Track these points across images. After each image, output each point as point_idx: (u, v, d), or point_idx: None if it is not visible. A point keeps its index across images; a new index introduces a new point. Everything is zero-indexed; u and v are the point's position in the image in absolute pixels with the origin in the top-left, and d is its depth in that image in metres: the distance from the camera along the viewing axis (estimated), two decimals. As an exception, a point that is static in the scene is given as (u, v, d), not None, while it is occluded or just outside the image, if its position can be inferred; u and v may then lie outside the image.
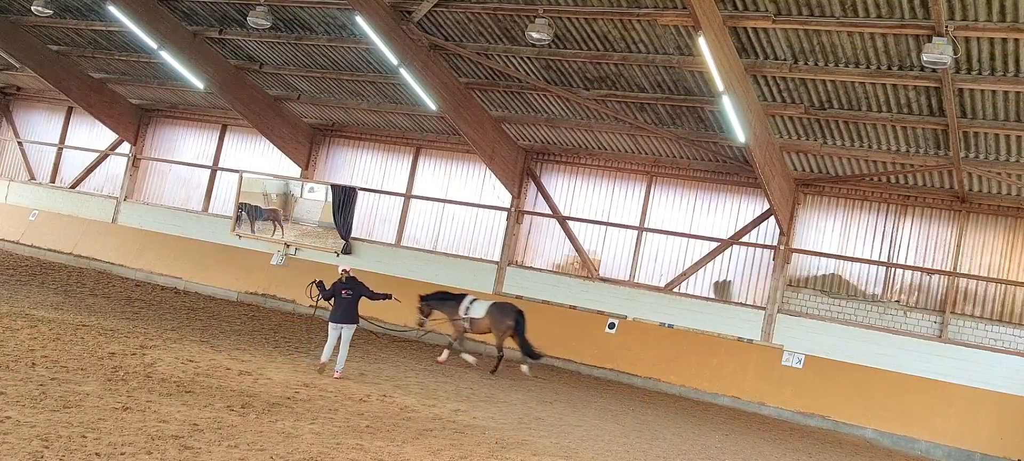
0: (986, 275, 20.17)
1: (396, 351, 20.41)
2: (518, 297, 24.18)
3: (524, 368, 19.46)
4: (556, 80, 21.30)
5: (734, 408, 20.72)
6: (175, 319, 19.07)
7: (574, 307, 23.55)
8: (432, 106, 22.28)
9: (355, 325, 15.04)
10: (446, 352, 19.74)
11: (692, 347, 22.01)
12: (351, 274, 15.53)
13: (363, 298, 15.24)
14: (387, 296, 15.98)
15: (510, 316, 19.57)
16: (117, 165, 31.99)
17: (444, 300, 20.38)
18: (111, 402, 9.64)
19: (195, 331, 17.57)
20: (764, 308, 21.76)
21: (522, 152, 25.07)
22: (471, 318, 19.67)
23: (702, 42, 15.91)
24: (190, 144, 30.95)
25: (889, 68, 17.06)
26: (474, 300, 19.99)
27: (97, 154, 32.43)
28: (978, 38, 15.33)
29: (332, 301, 15.23)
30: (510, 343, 19.72)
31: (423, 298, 20.58)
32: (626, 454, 12.40)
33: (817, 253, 21.68)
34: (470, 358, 19.67)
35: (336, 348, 14.90)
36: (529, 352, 19.53)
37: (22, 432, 7.80)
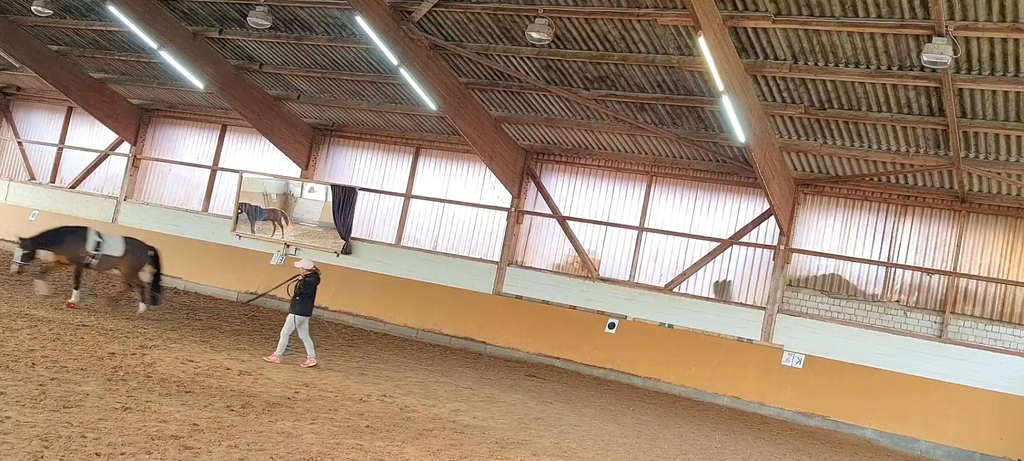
0: (986, 275, 20.22)
1: (395, 351, 20.45)
2: (518, 297, 24.27)
3: (142, 307, 18.31)
4: (556, 80, 21.34)
5: (734, 408, 20.78)
6: (175, 319, 19.10)
7: (574, 307, 23.59)
8: (432, 106, 22.32)
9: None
10: (41, 284, 18.22)
11: (692, 347, 22.06)
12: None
13: None
14: None
15: (148, 250, 18.67)
16: (117, 165, 32.05)
17: (60, 238, 18.20)
18: (111, 402, 9.66)
19: (195, 331, 17.62)
20: (764, 308, 21.81)
21: (522, 152, 25.11)
22: (104, 255, 18.21)
23: (702, 42, 15.95)
24: (190, 144, 31.02)
25: (889, 68, 17.09)
26: (102, 235, 18.37)
27: (97, 154, 32.50)
28: (978, 38, 15.37)
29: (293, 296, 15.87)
30: (134, 278, 18.65)
31: (28, 240, 17.72)
32: (626, 454, 12.43)
33: (817, 253, 21.73)
34: (44, 288, 18.20)
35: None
36: (157, 291, 18.67)
37: (22, 432, 7.82)
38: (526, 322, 23.81)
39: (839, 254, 21.52)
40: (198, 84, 25.55)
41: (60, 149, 33.48)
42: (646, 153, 23.45)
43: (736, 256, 22.63)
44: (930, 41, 15.08)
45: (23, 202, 32.99)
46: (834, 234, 21.73)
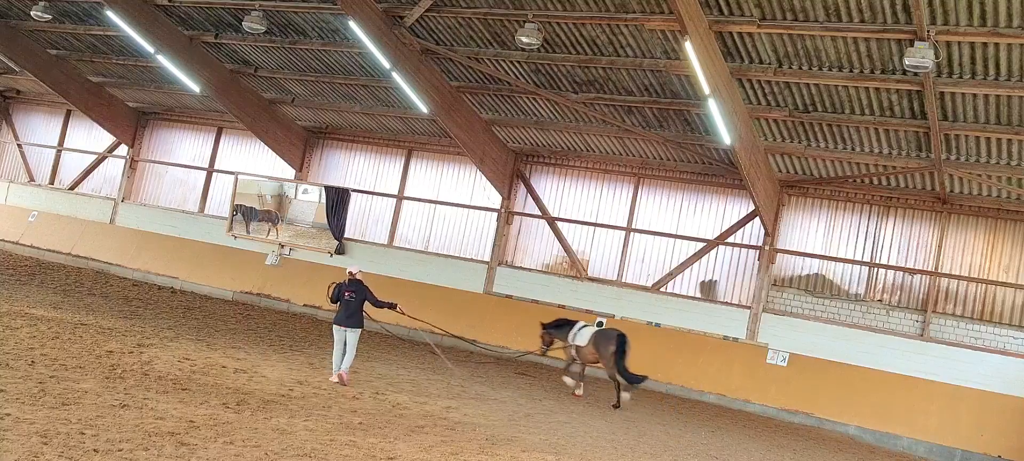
0: (967, 275, 20.46)
1: (388, 350, 20.63)
2: (508, 296, 24.47)
3: (626, 396, 17.78)
4: (545, 84, 21.54)
5: (720, 405, 20.96)
6: (172, 318, 19.28)
7: (563, 306, 23.70)
8: (424, 109, 22.51)
9: (359, 329, 14.47)
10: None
11: (679, 346, 22.25)
12: (357, 276, 14.95)
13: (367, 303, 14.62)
14: (392, 305, 15.11)
15: (611, 343, 17.65)
16: (115, 167, 32.22)
17: (557, 327, 18.81)
18: (109, 399, 9.79)
19: (191, 330, 17.76)
20: (749, 307, 22.04)
21: (512, 154, 25.32)
22: (577, 345, 18.02)
23: (688, 46, 16.08)
24: (186, 146, 31.20)
25: (872, 72, 17.23)
26: (584, 327, 18.34)
27: (95, 156, 32.67)
28: (959, 42, 15.50)
29: (338, 304, 14.74)
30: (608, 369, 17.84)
31: (544, 326, 19.03)
32: (613, 450, 12.56)
33: (801, 253, 21.96)
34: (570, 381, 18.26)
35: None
36: (623, 375, 17.56)
37: (22, 429, 7.95)
38: (516, 321, 23.94)
39: (823, 254, 21.74)
40: (194, 88, 25.69)
41: (59, 151, 33.64)
42: (633, 155, 23.66)
43: (722, 256, 22.87)
44: (912, 45, 15.19)
45: (23, 203, 33.16)
46: (818, 235, 21.95)
